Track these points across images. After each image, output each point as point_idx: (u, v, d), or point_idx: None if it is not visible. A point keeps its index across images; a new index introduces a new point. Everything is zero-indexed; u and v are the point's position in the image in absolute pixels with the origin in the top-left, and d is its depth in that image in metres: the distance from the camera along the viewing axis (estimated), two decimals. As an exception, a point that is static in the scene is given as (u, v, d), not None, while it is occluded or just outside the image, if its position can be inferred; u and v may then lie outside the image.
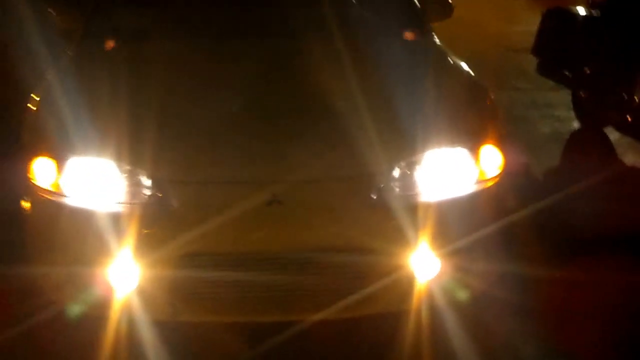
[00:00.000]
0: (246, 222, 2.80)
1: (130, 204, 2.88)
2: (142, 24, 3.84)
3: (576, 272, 3.68)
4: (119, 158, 2.88)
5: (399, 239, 2.87)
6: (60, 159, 2.93)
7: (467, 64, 3.75)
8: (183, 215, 2.82)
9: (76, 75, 3.35)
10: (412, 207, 2.91)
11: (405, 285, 2.94)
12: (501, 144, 3.20)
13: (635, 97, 5.25)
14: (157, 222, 2.84)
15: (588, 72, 6.02)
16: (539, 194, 4.51)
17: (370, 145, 2.92)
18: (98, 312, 2.93)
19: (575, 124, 6.47)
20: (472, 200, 3.07)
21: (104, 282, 2.87)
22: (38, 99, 3.30)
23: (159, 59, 3.51)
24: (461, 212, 3.03)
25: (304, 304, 2.95)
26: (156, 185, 2.86)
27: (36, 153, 2.99)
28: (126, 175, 2.89)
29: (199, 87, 3.31)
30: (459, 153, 3.08)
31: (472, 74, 3.70)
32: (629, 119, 5.42)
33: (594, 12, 6.18)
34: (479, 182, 3.09)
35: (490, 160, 3.13)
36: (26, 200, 3.07)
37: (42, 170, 2.96)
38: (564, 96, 6.71)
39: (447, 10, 4.31)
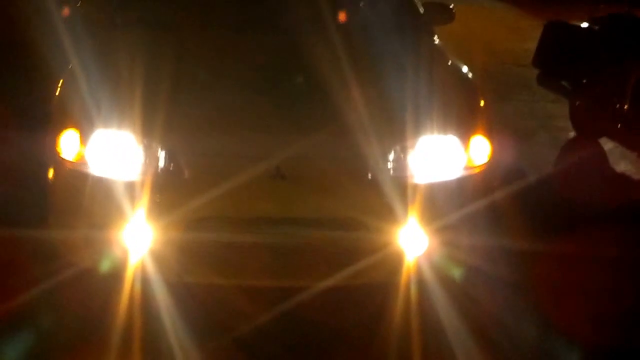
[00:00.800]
0: (251, 192, 3.09)
1: (145, 173, 3.16)
2: (161, 12, 4.14)
3: (564, 247, 3.86)
4: (136, 131, 3.17)
5: (391, 215, 3.14)
6: (85, 131, 3.22)
7: (475, 74, 4.03)
8: (193, 184, 3.10)
9: (99, 58, 3.63)
10: (404, 188, 3.19)
11: (396, 258, 3.21)
12: (491, 136, 3.49)
13: (625, 106, 5.51)
14: (169, 190, 3.13)
15: (584, 83, 6.28)
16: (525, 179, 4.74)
17: (368, 129, 3.20)
18: (114, 272, 3.20)
19: (572, 134, 6.71)
20: (460, 184, 3.35)
21: (120, 244, 3.14)
22: (65, 80, 3.60)
23: (175, 44, 3.77)
24: (449, 193, 3.31)
25: (301, 272, 3.22)
26: (169, 157, 3.15)
27: (65, 126, 3.28)
28: (142, 147, 3.18)
29: (211, 70, 3.61)
30: (450, 140, 3.36)
31: (470, 75, 3.99)
32: (619, 127, 5.69)
33: (594, 27, 6.43)
34: (467, 168, 3.38)
35: (479, 150, 3.42)
36: (52, 169, 3.35)
37: (68, 142, 3.25)
38: (563, 108, 6.96)
39: (448, 16, 4.57)
